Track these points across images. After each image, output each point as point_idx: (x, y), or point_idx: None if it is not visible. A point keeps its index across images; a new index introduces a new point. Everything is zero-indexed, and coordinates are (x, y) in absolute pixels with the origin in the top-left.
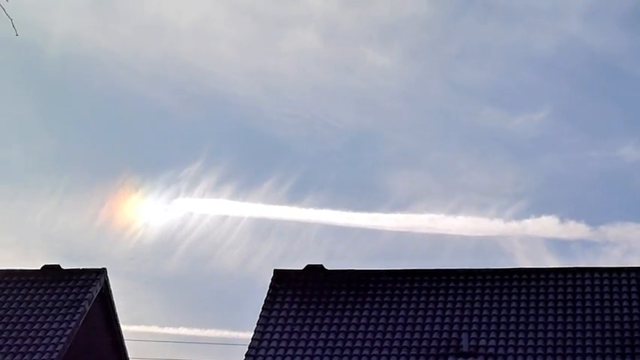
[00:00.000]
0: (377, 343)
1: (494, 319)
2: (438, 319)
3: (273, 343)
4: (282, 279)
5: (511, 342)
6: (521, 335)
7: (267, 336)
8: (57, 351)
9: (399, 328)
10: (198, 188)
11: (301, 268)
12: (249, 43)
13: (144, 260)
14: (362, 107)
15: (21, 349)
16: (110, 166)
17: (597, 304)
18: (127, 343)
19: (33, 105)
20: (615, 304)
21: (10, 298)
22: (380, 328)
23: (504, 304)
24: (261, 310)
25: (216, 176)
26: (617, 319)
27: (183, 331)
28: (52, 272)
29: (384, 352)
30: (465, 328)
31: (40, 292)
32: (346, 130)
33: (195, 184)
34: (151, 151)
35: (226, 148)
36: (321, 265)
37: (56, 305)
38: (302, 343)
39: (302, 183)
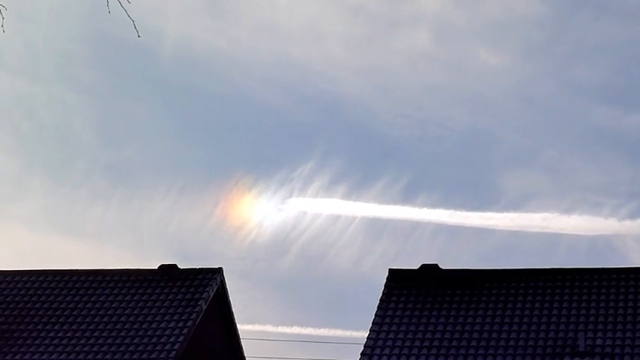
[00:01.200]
0: (492, 343)
1: (610, 319)
2: (553, 319)
3: (389, 342)
4: (396, 278)
5: (628, 341)
6: (638, 335)
7: (383, 335)
8: (174, 350)
9: (514, 327)
10: (312, 188)
11: (414, 267)
12: (361, 43)
13: (258, 260)
14: (474, 106)
15: (139, 348)
16: (224, 166)
17: None
18: (242, 342)
19: (148, 106)
20: None
21: (127, 298)
22: (495, 327)
23: (620, 304)
24: (376, 309)
25: (329, 176)
26: None
27: (297, 330)
28: (168, 272)
29: (500, 351)
30: (580, 327)
31: (157, 291)
32: (459, 130)
33: (308, 184)
34: (264, 151)
35: (339, 147)
36: (436, 265)
37: (173, 304)
38: (417, 343)
39: (415, 182)
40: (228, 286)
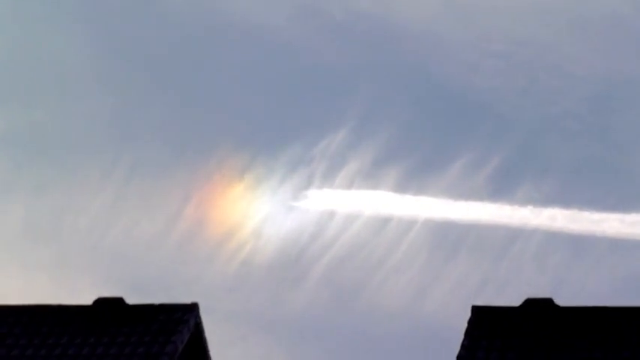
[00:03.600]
0: None
1: None
2: None
3: None
4: (484, 320)
5: None
6: None
7: None
8: None
9: None
10: (343, 173)
11: (513, 302)
12: None
13: (256, 290)
14: (612, 43)
15: None
16: (198, 138)
17: None
18: None
19: (66, 35)
20: None
21: (43, 352)
22: None
23: None
24: None
25: (372, 154)
26: None
27: None
28: (110, 310)
29: None
30: None
31: (92, 341)
32: (587, 80)
33: (337, 167)
34: (265, 114)
35: (389, 107)
36: (549, 300)
37: None
38: None
39: (512, 166)
40: (207, 334)
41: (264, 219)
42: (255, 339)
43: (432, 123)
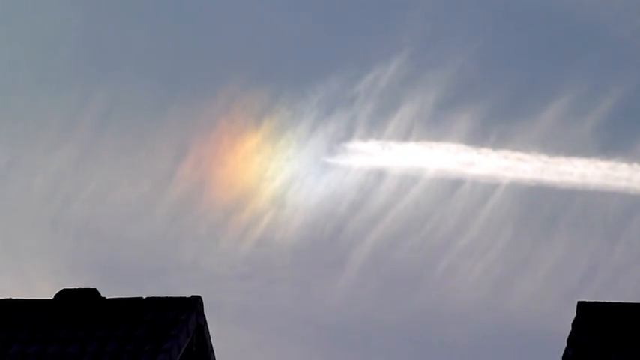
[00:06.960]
0: None
1: None
2: None
3: None
4: (594, 321)
5: None
6: None
7: None
8: None
9: None
10: (397, 119)
11: (638, 297)
12: None
13: (276, 281)
14: None
15: None
16: (198, 69)
17: None
18: None
19: None
20: None
21: None
22: None
23: None
24: None
25: (437, 92)
26: None
27: None
28: (78, 306)
29: None
30: None
31: (53, 350)
32: None
33: (389, 110)
34: (290, 37)
35: (460, 26)
36: None
37: None
38: None
39: (632, 109)
40: (213, 339)
41: (289, 181)
42: (275, 346)
43: (520, 48)
